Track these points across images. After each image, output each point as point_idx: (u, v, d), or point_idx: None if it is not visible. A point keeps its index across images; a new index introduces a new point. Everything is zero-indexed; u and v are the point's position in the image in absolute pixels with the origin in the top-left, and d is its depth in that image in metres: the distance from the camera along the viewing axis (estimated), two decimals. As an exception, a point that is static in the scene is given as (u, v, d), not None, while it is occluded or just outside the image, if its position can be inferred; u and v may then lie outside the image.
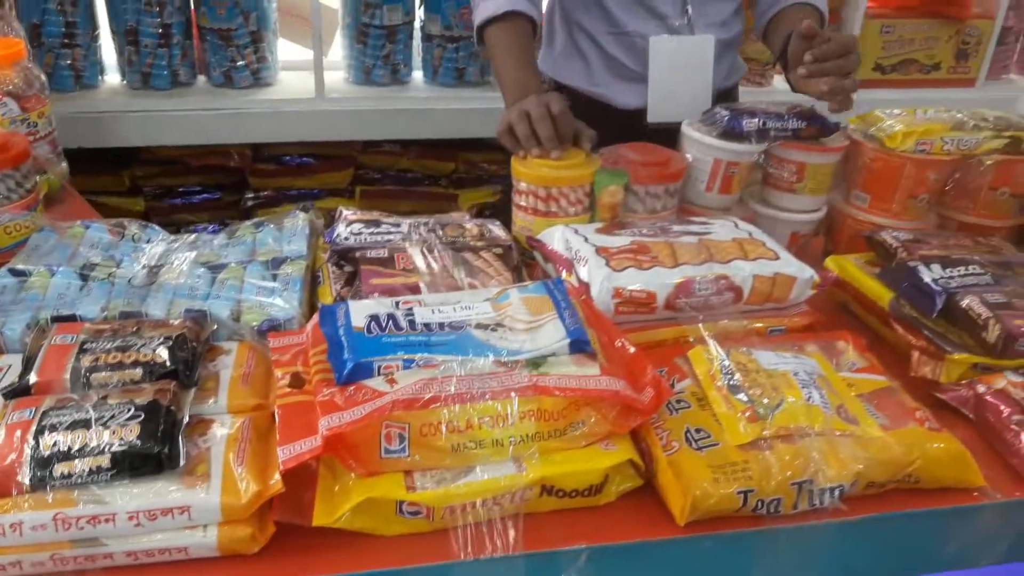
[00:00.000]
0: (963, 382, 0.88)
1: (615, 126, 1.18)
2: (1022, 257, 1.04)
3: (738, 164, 1.11)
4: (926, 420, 0.78)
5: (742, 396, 0.77)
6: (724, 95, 1.35)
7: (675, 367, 0.84)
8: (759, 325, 0.92)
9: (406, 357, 0.71)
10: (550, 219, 1.06)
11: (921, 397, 0.84)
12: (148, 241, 1.02)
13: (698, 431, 0.76)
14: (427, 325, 0.75)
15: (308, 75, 2.13)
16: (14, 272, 0.91)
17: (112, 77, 2.02)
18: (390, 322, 0.75)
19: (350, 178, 2.21)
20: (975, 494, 0.76)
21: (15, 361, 0.80)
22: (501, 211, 2.25)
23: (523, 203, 1.08)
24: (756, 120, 1.09)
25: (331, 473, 0.69)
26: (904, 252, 1.04)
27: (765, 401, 0.77)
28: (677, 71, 1.26)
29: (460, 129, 2.12)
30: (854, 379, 0.85)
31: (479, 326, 0.76)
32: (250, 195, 2.12)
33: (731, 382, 0.79)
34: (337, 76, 2.12)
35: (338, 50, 2.13)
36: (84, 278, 0.92)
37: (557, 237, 1.00)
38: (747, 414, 0.76)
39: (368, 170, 2.23)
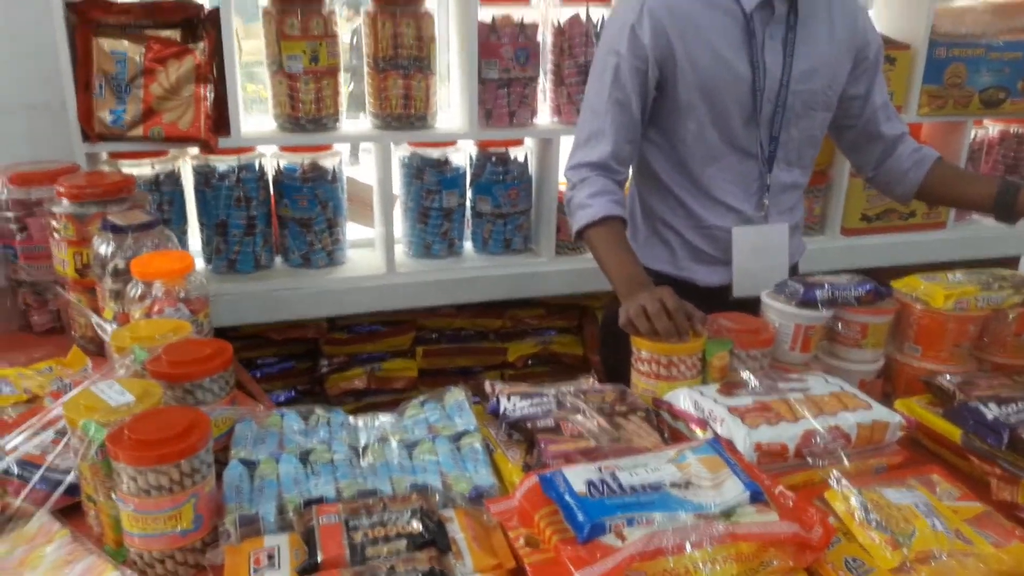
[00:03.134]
0: (1039, 502, 1.08)
1: (698, 300, 1.39)
2: (1053, 391, 1.27)
3: (814, 327, 1.34)
4: (1025, 537, 0.98)
5: (881, 528, 0.96)
6: (792, 269, 1.59)
7: (816, 507, 1.03)
8: (871, 462, 1.12)
9: (628, 516, 0.89)
10: (671, 382, 1.26)
11: (1007, 517, 1.04)
12: (340, 424, 1.19)
13: (855, 560, 0.94)
14: (633, 487, 0.94)
15: (371, 251, 2.37)
16: (244, 462, 1.08)
17: (197, 263, 2.22)
18: (604, 486, 0.94)
19: (412, 340, 2.41)
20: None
21: (280, 541, 0.96)
22: (545, 360, 2.46)
23: (644, 369, 1.28)
24: (825, 290, 1.33)
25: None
26: (961, 394, 1.26)
27: (900, 531, 0.96)
28: (757, 254, 1.51)
29: (508, 291, 2.35)
30: (957, 507, 1.04)
31: (673, 485, 0.95)
32: (324, 362, 2.31)
33: (868, 516, 0.98)
34: (398, 250, 2.36)
35: (398, 227, 2.37)
36: (304, 462, 1.09)
37: (683, 398, 1.20)
38: (889, 543, 0.94)
39: (427, 331, 2.44)
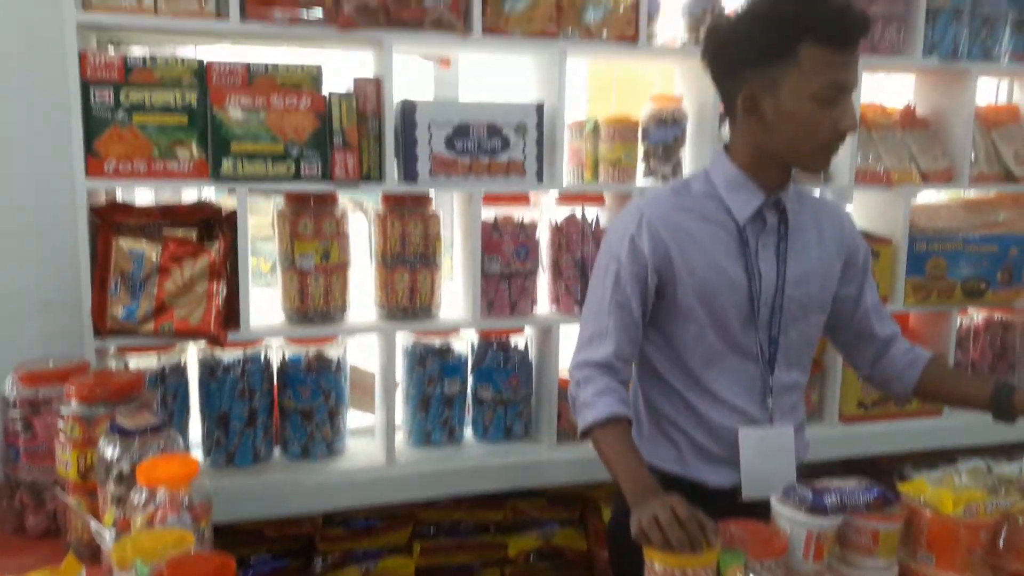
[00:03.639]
0: None
1: (708, 503, 1.36)
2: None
3: (825, 534, 1.33)
4: None
5: None
6: (798, 469, 1.59)
7: None
8: None
9: None
10: (685, 598, 1.23)
11: None
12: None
13: None
14: None
15: (371, 440, 2.36)
16: None
17: (194, 455, 2.20)
18: None
19: (409, 534, 2.35)
20: None
21: None
22: (547, 555, 2.39)
23: (658, 583, 1.25)
24: (834, 496, 1.33)
25: None
26: (982, 606, 1.23)
27: None
28: (764, 457, 1.52)
29: (509, 481, 2.32)
30: None
31: None
32: (319, 560, 2.23)
33: None
34: (398, 438, 2.34)
35: (398, 414, 2.37)
36: None
37: (700, 617, 1.17)
38: None
39: (425, 524, 2.38)
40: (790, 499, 1.36)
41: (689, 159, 2.43)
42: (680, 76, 2.54)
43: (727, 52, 1.48)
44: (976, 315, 2.76)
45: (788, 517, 1.34)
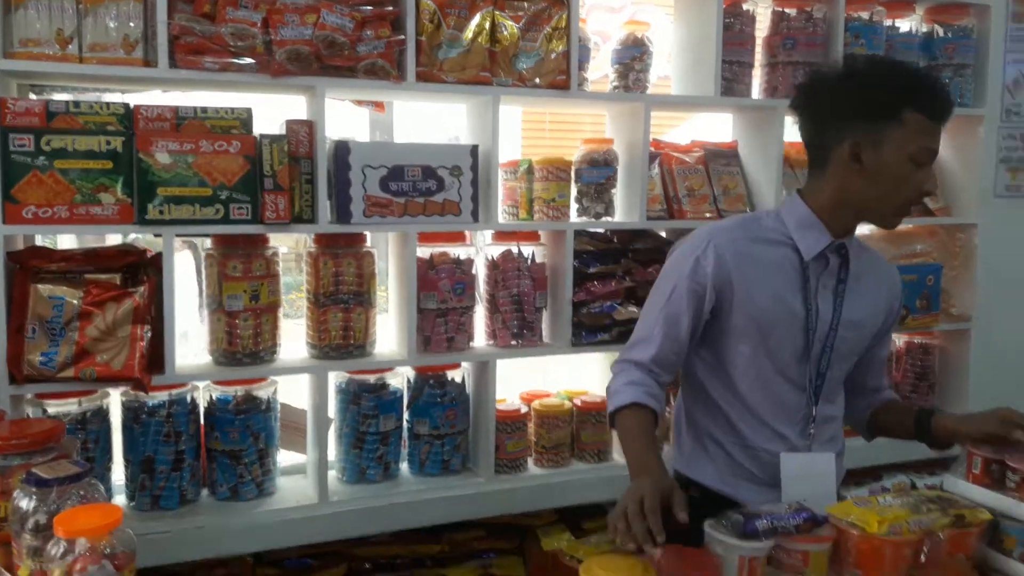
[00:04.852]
0: None
1: None
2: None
3: (758, 558, 1.35)
4: None
5: None
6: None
7: None
8: None
9: None
10: (623, 629, 1.23)
11: None
12: None
13: None
14: None
15: (303, 479, 2.31)
16: None
17: (118, 499, 2.12)
18: None
19: (344, 573, 2.29)
20: None
21: None
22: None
23: (595, 615, 1.25)
24: (765, 520, 1.36)
25: None
26: (908, 621, 1.27)
27: None
28: (805, 482, 1.57)
29: (447, 513, 2.30)
30: None
31: None
32: (251, 606, 2.16)
33: None
34: (331, 476, 2.29)
35: (331, 452, 2.33)
36: None
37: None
38: None
39: (360, 561, 2.33)
40: (723, 525, 1.38)
41: (621, 197, 2.49)
42: (610, 119, 2.61)
43: (830, 106, 1.58)
44: (898, 340, 2.88)
45: (721, 542, 1.35)
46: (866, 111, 1.54)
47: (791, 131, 2.48)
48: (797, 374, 1.64)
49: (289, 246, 2.52)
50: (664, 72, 2.69)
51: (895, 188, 1.56)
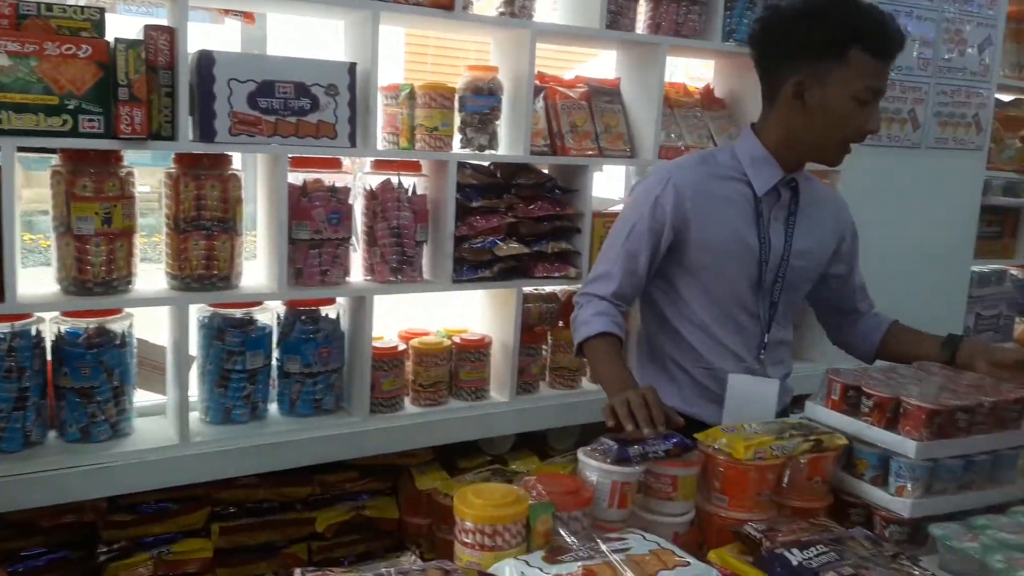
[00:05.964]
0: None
1: None
2: (844, 531, 1.36)
3: (629, 483, 1.36)
4: None
5: None
6: (781, 413, 1.76)
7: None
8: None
9: None
10: (496, 553, 1.21)
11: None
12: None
13: None
14: None
15: (162, 420, 2.18)
16: None
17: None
18: None
19: (206, 516, 2.19)
20: None
21: None
22: (357, 527, 2.33)
23: (469, 540, 1.22)
24: (637, 447, 1.37)
25: None
26: (767, 541, 1.31)
27: None
28: (748, 404, 1.67)
29: (318, 455, 2.23)
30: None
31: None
32: (103, 549, 2.03)
33: None
34: (193, 417, 2.17)
35: (193, 392, 2.20)
36: None
37: (509, 571, 1.15)
38: None
39: (224, 505, 2.23)
40: (596, 451, 1.38)
41: (505, 130, 2.44)
42: (496, 48, 2.53)
43: (782, 42, 1.61)
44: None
45: (594, 468, 1.36)
46: (811, 49, 1.58)
47: (672, 70, 2.49)
48: (752, 302, 1.73)
49: (152, 186, 2.33)
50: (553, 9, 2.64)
51: (836, 126, 1.60)
